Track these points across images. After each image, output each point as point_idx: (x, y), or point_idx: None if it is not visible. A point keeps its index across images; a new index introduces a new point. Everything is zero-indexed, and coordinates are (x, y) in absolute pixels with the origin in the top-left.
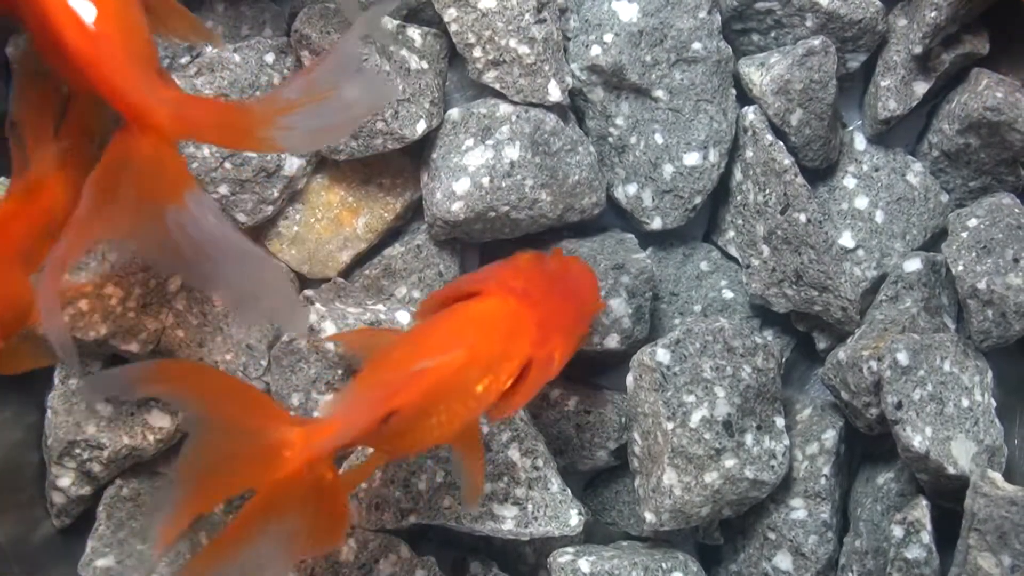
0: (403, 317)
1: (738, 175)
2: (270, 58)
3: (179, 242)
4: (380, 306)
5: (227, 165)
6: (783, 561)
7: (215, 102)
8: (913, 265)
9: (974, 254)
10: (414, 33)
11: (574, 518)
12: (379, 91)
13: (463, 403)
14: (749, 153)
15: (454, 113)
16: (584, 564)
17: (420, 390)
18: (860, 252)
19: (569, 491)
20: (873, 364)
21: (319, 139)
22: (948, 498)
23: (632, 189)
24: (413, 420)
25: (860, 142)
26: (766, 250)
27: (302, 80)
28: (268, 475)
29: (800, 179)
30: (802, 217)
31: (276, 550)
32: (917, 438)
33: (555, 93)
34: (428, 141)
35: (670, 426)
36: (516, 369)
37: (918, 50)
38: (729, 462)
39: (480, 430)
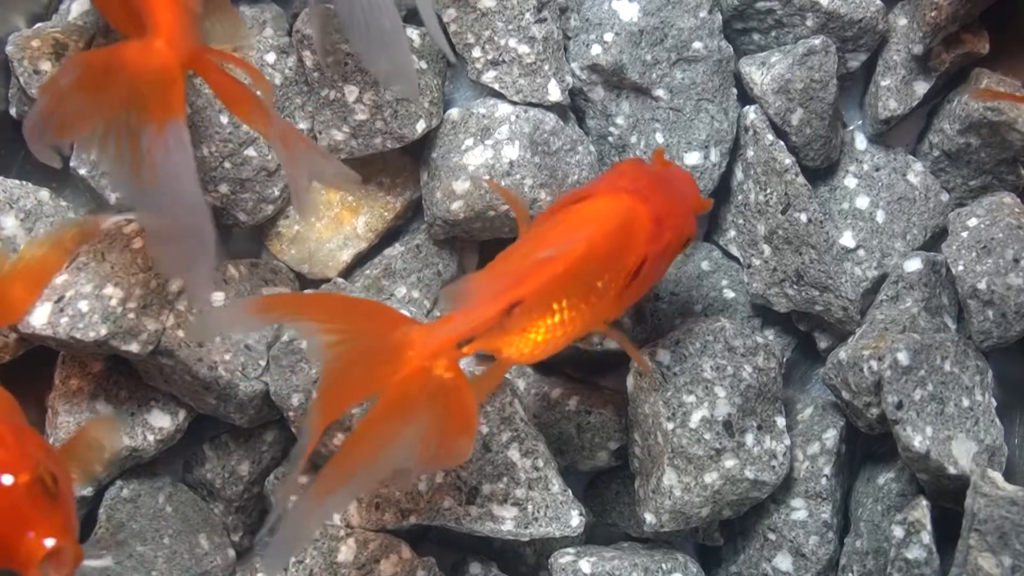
0: None
1: (739, 175)
2: (271, 58)
3: (140, 162)
4: None
5: (227, 165)
6: (783, 562)
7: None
8: (914, 265)
9: (974, 254)
10: (413, 33)
11: (575, 519)
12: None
13: (584, 298)
14: (750, 153)
15: (454, 113)
16: (585, 565)
17: (540, 281)
18: (861, 252)
19: (570, 492)
20: (874, 364)
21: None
22: (948, 498)
23: None
24: (535, 314)
25: (861, 142)
26: (767, 250)
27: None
28: (392, 376)
29: (801, 179)
30: (803, 217)
31: (406, 452)
32: (917, 438)
33: (555, 93)
34: (428, 141)
35: (670, 426)
36: (634, 264)
37: (918, 50)
38: (729, 462)
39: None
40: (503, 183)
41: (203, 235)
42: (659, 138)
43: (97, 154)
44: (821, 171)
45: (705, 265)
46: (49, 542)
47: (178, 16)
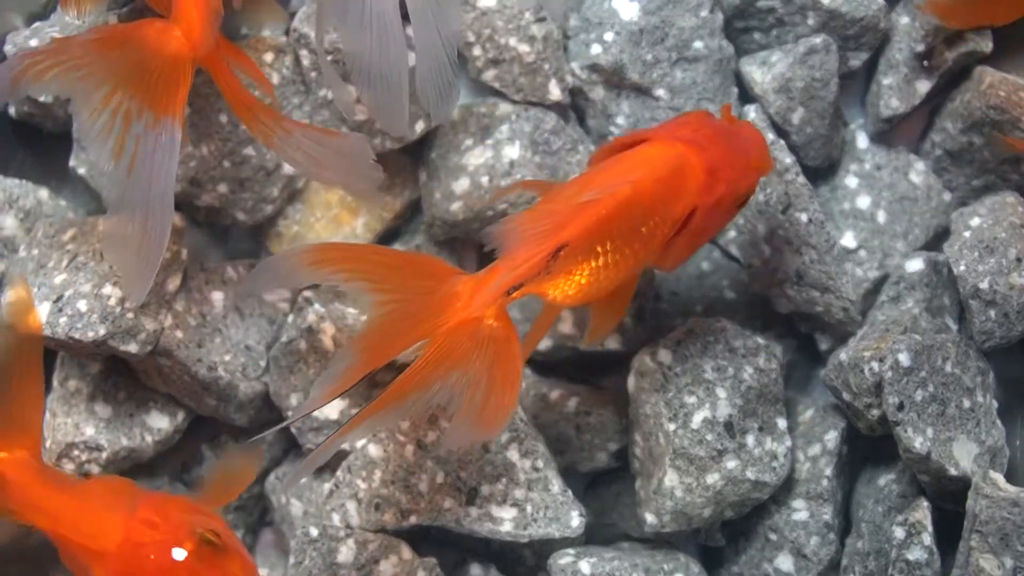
0: None
1: None
2: (268, 57)
3: (123, 146)
4: None
5: (226, 164)
6: (784, 562)
7: (250, 70)
8: (915, 265)
9: (977, 253)
10: (412, 32)
11: (575, 519)
12: (366, 177)
13: (629, 243)
14: None
15: (453, 112)
16: (585, 566)
17: (585, 223)
18: (862, 252)
19: (570, 492)
20: (875, 365)
21: (296, 158)
22: (949, 499)
23: None
24: (580, 257)
25: (862, 141)
26: (767, 250)
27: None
28: (440, 327)
29: (802, 178)
30: (803, 217)
31: (452, 401)
32: (918, 439)
33: (555, 92)
34: (427, 141)
35: (672, 427)
36: (682, 214)
37: (920, 48)
38: (731, 463)
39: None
40: (503, 183)
41: (158, 240)
42: None
43: (88, 123)
44: (822, 170)
45: (705, 265)
46: None
47: (201, 11)
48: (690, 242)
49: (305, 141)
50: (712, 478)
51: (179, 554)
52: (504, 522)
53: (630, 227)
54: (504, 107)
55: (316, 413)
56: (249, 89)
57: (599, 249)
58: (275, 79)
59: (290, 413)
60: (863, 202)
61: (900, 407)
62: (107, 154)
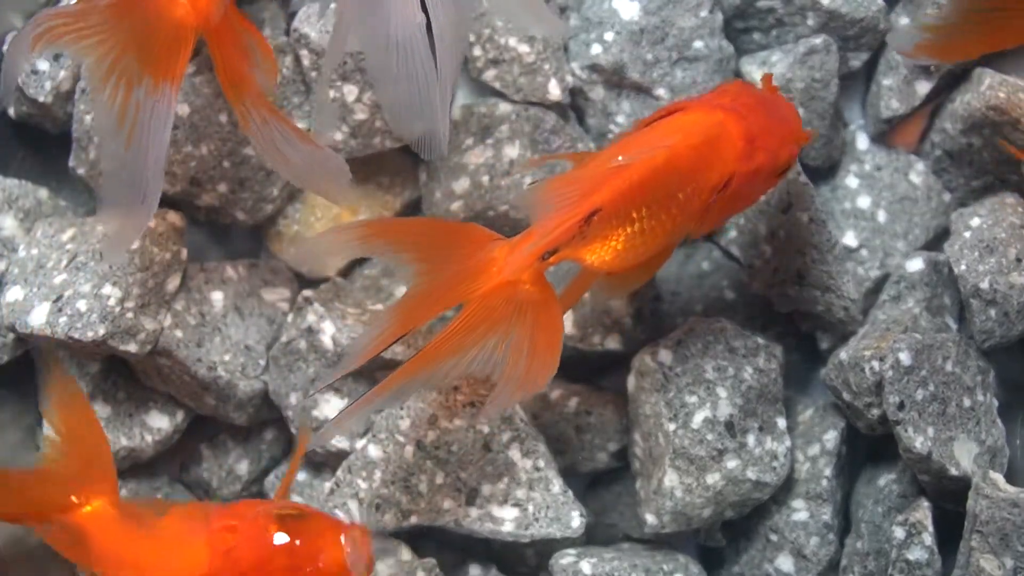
0: None
1: None
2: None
3: (126, 113)
4: (379, 306)
5: (225, 164)
6: (785, 563)
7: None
8: (916, 265)
9: (977, 253)
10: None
11: (576, 520)
12: (336, 192)
13: (665, 209)
14: None
15: (454, 112)
16: (586, 566)
17: (618, 187)
18: (863, 252)
19: (571, 492)
20: (875, 364)
21: (268, 152)
22: (950, 499)
23: None
24: (614, 222)
25: (862, 141)
26: (768, 250)
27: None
28: (476, 292)
29: (802, 178)
30: (805, 217)
31: (494, 368)
32: (919, 439)
33: (555, 92)
34: None
35: (672, 427)
36: (719, 181)
37: None
38: (731, 463)
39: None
40: (503, 183)
41: (145, 207)
42: None
43: (97, 88)
44: (823, 171)
45: (706, 265)
46: (343, 539)
47: None
48: (726, 209)
49: (280, 138)
50: (712, 478)
51: (271, 540)
52: (505, 522)
53: (666, 193)
54: (504, 107)
55: (316, 413)
56: (248, 71)
57: (634, 214)
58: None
59: (288, 413)
60: (864, 202)
61: (900, 406)
62: (112, 119)
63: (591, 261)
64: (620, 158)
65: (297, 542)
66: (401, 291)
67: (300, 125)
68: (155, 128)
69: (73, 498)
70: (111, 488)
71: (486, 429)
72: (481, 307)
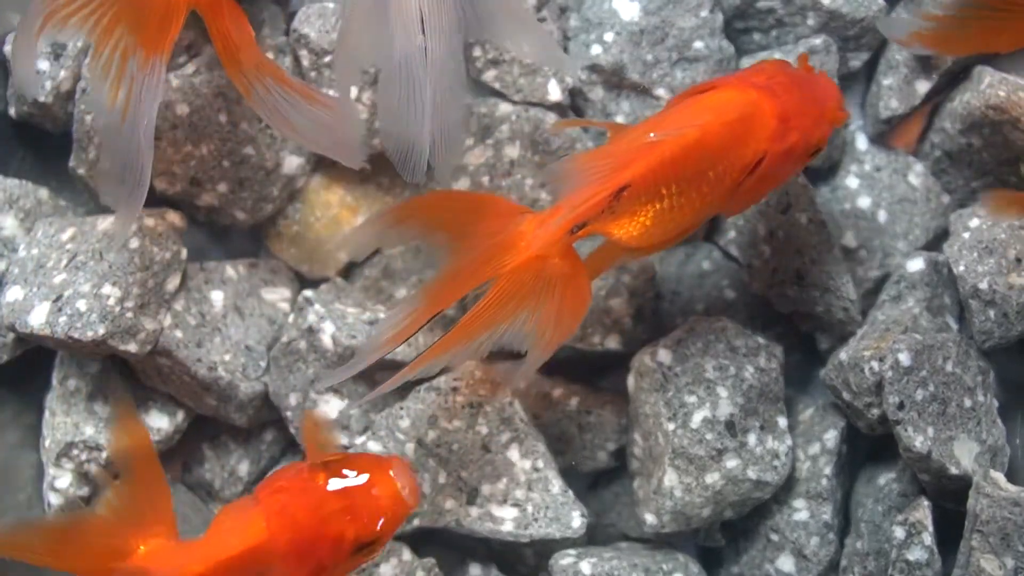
0: None
1: None
2: (269, 57)
3: (119, 85)
4: (380, 307)
5: (225, 164)
6: (785, 563)
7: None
8: (916, 265)
9: (976, 254)
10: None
11: (576, 520)
12: (349, 151)
13: (695, 187)
14: None
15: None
16: (585, 566)
17: (649, 162)
18: (863, 252)
19: (571, 492)
20: (875, 364)
21: (275, 119)
22: (950, 499)
23: None
24: (644, 198)
25: (862, 141)
26: (767, 250)
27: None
28: (506, 266)
29: (802, 179)
30: (803, 217)
31: (523, 340)
32: (919, 438)
33: (555, 92)
34: None
35: (671, 427)
36: (751, 160)
37: None
38: (731, 463)
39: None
40: (503, 183)
41: (143, 175)
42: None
43: (96, 64)
44: (822, 171)
45: (706, 265)
46: (392, 472)
47: None
48: (758, 188)
49: (285, 104)
50: (712, 478)
51: (322, 487)
52: (505, 522)
53: (697, 170)
54: (504, 107)
55: (318, 412)
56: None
57: (663, 191)
58: None
59: (288, 413)
60: (864, 202)
61: (900, 406)
62: (107, 93)
63: (619, 236)
64: (652, 135)
65: (347, 483)
66: (402, 293)
67: None
68: (147, 100)
69: (133, 543)
70: (168, 525)
71: (485, 430)
72: (511, 282)
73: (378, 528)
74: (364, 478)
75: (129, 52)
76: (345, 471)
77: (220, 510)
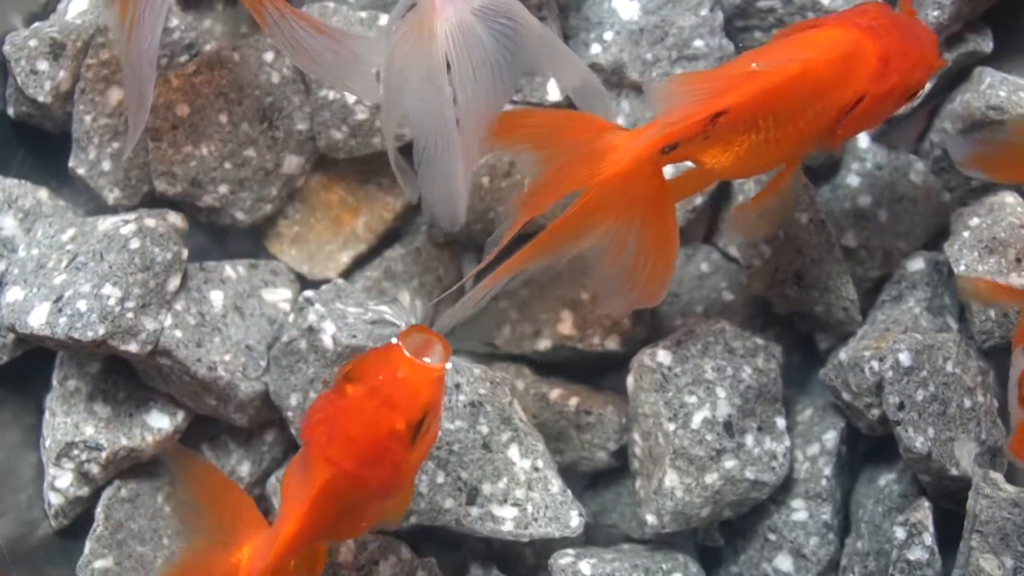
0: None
1: None
2: (269, 57)
3: (127, 9)
4: (384, 307)
5: (227, 165)
6: (784, 563)
7: None
8: (916, 265)
9: (976, 254)
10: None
11: (575, 519)
12: (364, 84)
13: (792, 122)
14: None
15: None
16: (585, 566)
17: (749, 92)
18: (863, 252)
19: (570, 492)
20: (875, 364)
21: (293, 49)
22: (950, 499)
23: None
24: (740, 127)
25: (863, 140)
26: (767, 250)
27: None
28: (595, 178)
29: (802, 179)
30: (803, 217)
31: (603, 256)
32: (919, 439)
33: (554, 92)
34: None
35: (671, 427)
36: (850, 100)
37: None
38: (729, 463)
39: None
40: (503, 183)
41: (145, 97)
42: None
43: None
44: (823, 170)
45: (705, 267)
46: (405, 348)
47: None
48: (852, 127)
49: (300, 33)
50: (711, 478)
51: (353, 395)
52: (505, 522)
53: (796, 105)
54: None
55: None
56: None
57: (760, 122)
58: (275, 79)
59: (289, 414)
60: (864, 201)
61: (901, 407)
62: (115, 15)
63: (710, 164)
64: (754, 65)
65: (371, 382)
66: (405, 297)
67: (300, 127)
68: (150, 22)
69: (236, 558)
70: (262, 525)
71: (485, 429)
72: (598, 194)
73: (422, 404)
74: (384, 368)
75: None
76: (365, 372)
77: (284, 473)
